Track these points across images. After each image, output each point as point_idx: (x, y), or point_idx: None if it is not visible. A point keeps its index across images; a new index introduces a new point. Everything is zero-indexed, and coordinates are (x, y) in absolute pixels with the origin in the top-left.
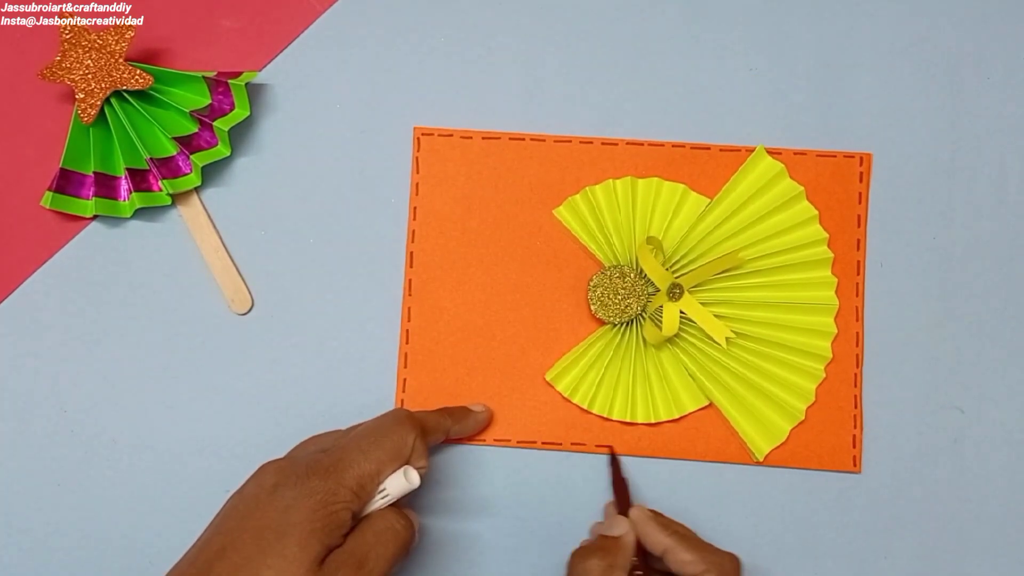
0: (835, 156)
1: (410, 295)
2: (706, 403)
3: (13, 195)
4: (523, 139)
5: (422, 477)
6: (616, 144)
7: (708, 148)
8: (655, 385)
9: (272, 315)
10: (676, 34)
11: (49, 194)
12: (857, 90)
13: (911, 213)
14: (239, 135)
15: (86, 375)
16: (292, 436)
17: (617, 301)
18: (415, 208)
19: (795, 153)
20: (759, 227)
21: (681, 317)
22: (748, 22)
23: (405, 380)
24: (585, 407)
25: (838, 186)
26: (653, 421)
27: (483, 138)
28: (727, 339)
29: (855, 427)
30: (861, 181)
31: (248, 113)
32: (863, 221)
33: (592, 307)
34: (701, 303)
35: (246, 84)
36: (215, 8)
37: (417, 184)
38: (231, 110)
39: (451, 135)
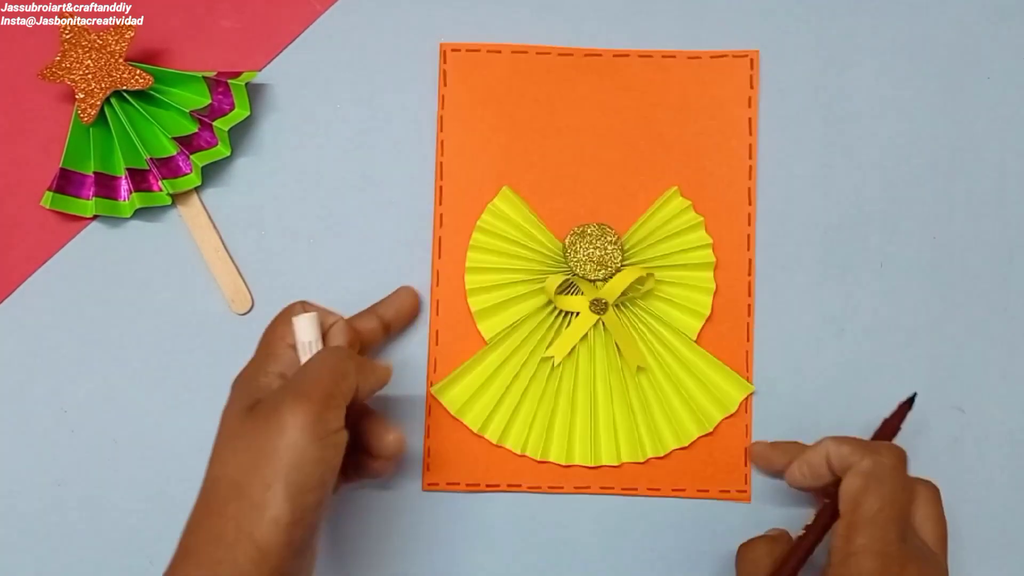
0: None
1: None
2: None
3: (13, 195)
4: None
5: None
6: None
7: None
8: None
9: (272, 315)
10: None
11: (49, 194)
12: (857, 90)
13: (910, 213)
14: (239, 135)
15: (86, 375)
16: None
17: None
18: (441, 187)
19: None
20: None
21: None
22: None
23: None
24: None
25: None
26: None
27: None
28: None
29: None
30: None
31: (248, 113)
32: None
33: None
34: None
35: (246, 84)
36: (215, 8)
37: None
38: (231, 110)
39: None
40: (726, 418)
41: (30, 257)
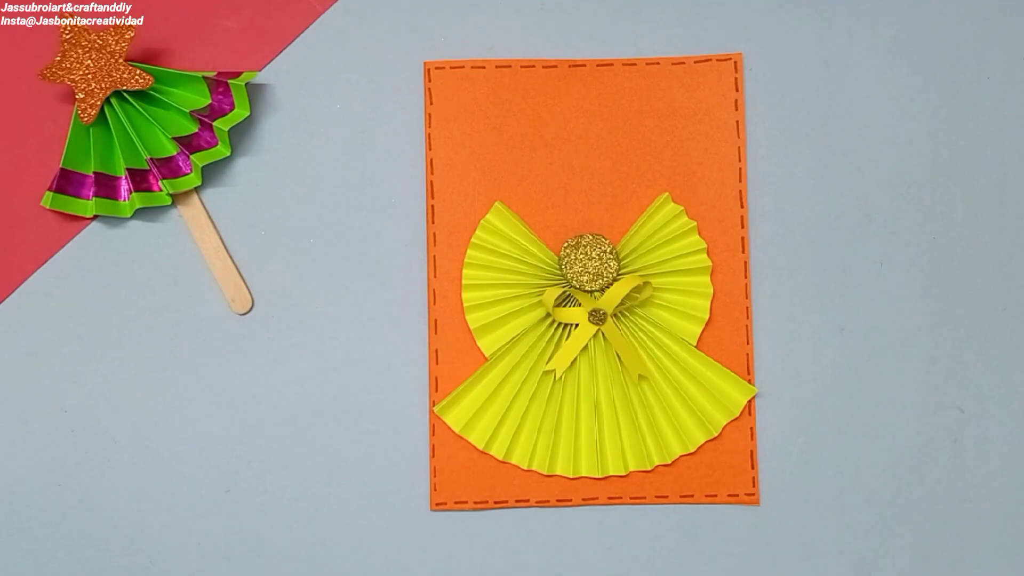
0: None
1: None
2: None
3: (13, 195)
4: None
5: None
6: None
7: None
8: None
9: (272, 315)
10: None
11: (49, 194)
12: (857, 90)
13: (911, 213)
14: (239, 135)
15: (86, 375)
16: (292, 436)
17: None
18: (432, 206)
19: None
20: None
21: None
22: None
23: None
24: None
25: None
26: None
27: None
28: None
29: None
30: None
31: (248, 113)
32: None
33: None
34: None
35: (246, 84)
36: (215, 8)
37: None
38: (231, 110)
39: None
40: (731, 421)
41: (30, 257)
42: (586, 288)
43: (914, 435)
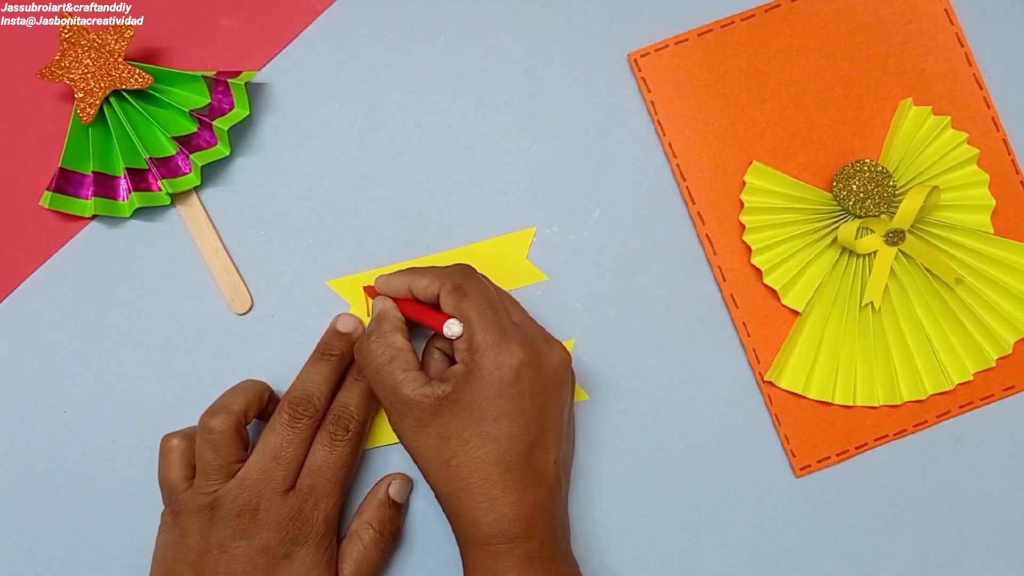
0: None
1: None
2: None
3: (13, 195)
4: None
5: None
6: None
7: None
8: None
9: (272, 315)
10: None
11: (48, 194)
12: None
13: None
14: (239, 135)
15: (86, 375)
16: None
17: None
18: (687, 187)
19: None
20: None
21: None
22: None
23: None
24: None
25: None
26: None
27: None
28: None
29: None
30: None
31: (247, 112)
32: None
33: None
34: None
35: (245, 83)
36: (215, 8)
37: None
38: (230, 109)
39: None
40: None
41: (30, 257)
42: (872, 213)
43: (915, 434)
